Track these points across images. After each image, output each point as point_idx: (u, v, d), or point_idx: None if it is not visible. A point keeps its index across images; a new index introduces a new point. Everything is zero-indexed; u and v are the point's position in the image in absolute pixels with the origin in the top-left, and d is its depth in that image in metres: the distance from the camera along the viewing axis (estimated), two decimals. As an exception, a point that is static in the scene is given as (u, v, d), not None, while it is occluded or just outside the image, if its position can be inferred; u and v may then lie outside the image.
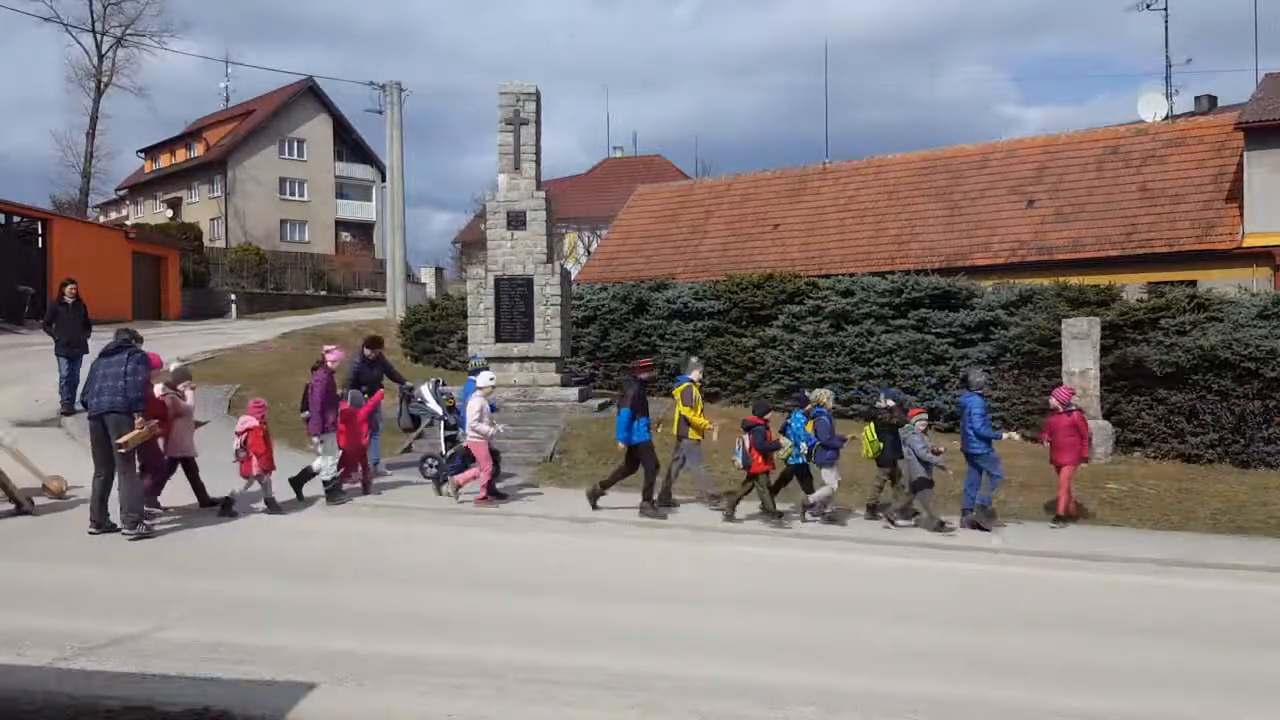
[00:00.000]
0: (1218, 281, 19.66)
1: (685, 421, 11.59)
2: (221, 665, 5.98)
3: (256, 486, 10.68)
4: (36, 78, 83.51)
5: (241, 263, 45.32)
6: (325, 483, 11.14)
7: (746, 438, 10.89)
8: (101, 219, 59.84)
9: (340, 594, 7.86)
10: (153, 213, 59.49)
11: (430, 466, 12.77)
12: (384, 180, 46.59)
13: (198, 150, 58.75)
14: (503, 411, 13.75)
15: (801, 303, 18.52)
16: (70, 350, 15.18)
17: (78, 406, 13.54)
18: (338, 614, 7.27)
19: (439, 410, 12.57)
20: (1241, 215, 21.69)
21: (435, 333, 22.67)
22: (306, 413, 11.29)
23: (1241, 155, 21.93)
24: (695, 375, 11.97)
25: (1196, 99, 35.69)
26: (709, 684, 5.95)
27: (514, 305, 16.57)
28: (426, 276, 40.17)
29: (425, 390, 12.91)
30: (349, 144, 60.58)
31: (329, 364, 11.46)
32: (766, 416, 11.19)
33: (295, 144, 58.16)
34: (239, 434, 10.63)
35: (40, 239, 30.29)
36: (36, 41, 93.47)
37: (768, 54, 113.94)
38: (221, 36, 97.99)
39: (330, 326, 29.42)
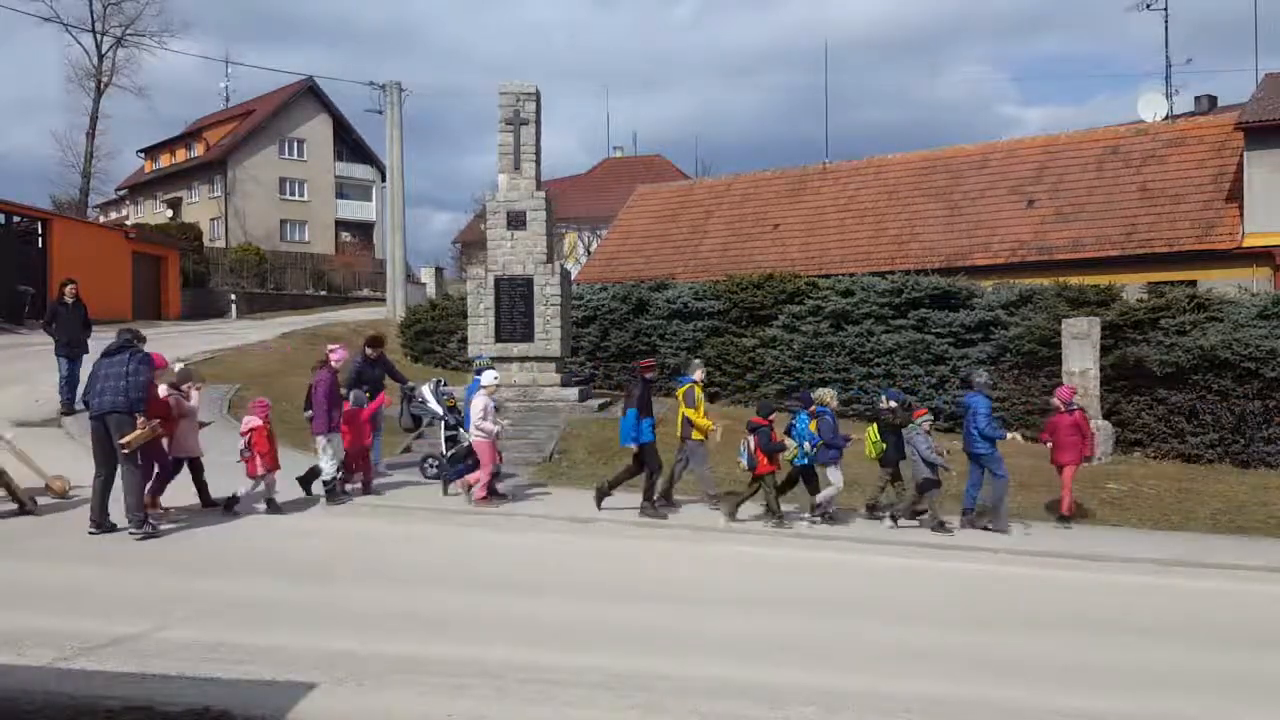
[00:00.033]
0: (1218, 281, 19.67)
1: (688, 423, 11.59)
2: (222, 665, 5.98)
3: (263, 486, 10.69)
4: (36, 78, 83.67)
5: (241, 263, 45.32)
6: (325, 483, 11.15)
7: (751, 439, 10.89)
8: (101, 219, 59.85)
9: (340, 594, 7.86)
10: (153, 213, 59.50)
11: (431, 466, 12.78)
12: (384, 180, 46.61)
13: (198, 150, 58.75)
14: (503, 411, 13.75)
15: (801, 303, 18.53)
16: (70, 350, 15.18)
17: (78, 406, 13.56)
18: (338, 614, 7.27)
19: (440, 410, 12.57)
20: (1241, 215, 21.70)
21: (435, 333, 22.67)
22: (310, 412, 11.31)
23: (1241, 155, 21.93)
24: (697, 376, 11.97)
25: (1196, 99, 35.71)
26: (709, 684, 5.95)
27: (514, 305, 16.58)
28: (426, 276, 40.16)
29: (426, 390, 12.92)
30: (349, 144, 60.58)
31: (332, 363, 11.49)
32: (771, 417, 11.18)
33: (295, 144, 58.17)
34: (243, 434, 10.64)
35: (40, 239, 30.29)
36: (36, 41, 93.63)
37: (768, 54, 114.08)
38: (221, 36, 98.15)
39: (330, 326, 29.42)
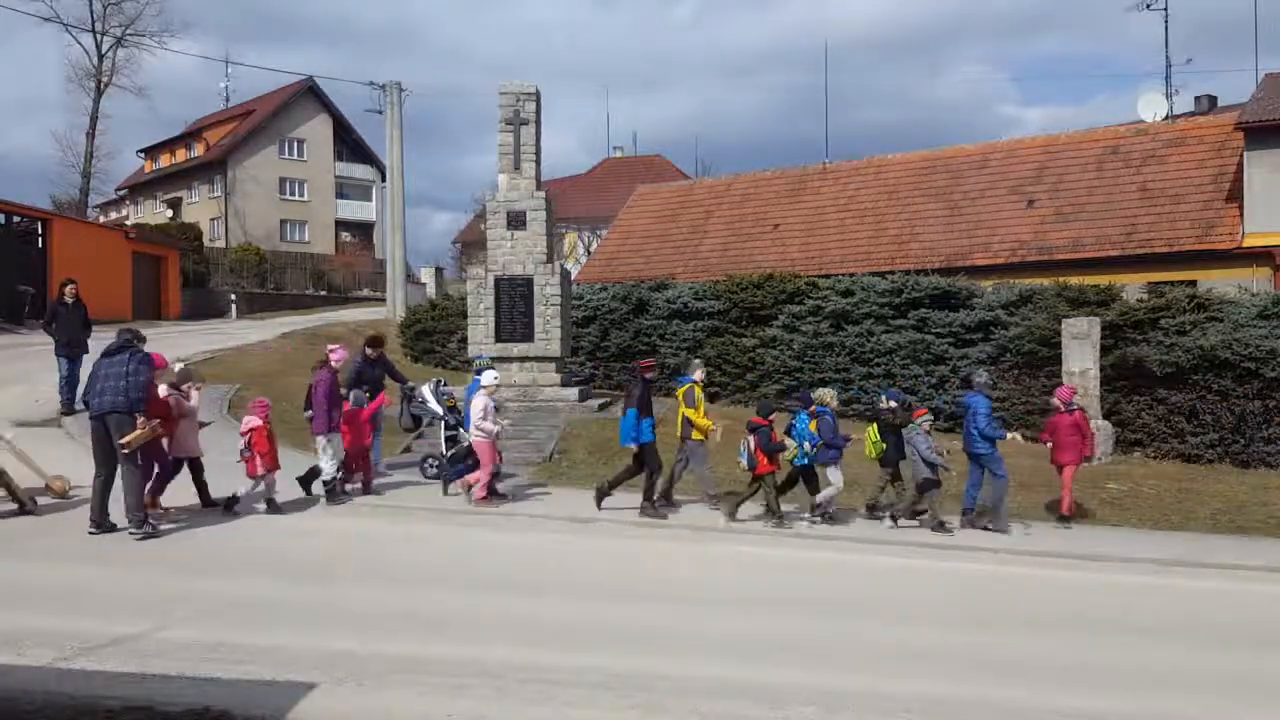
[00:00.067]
0: (1218, 281, 19.67)
1: (688, 423, 11.59)
2: (222, 665, 5.98)
3: (263, 486, 10.69)
4: (36, 78, 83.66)
5: (241, 263, 45.32)
6: (325, 483, 11.15)
7: (752, 439, 10.89)
8: (101, 219, 59.85)
9: (340, 594, 7.86)
10: (153, 213, 59.50)
11: (431, 466, 12.78)
12: (384, 180, 46.60)
13: (198, 150, 58.76)
14: (503, 411, 13.75)
15: (801, 303, 18.53)
16: (70, 350, 15.18)
17: (78, 406, 13.55)
18: (338, 614, 7.27)
19: (440, 410, 12.57)
20: (1241, 215, 21.70)
21: (435, 333, 22.67)
22: (310, 412, 11.32)
23: (1241, 155, 21.93)
24: (697, 376, 11.97)
25: (1196, 99, 35.71)
26: (709, 684, 5.95)
27: (514, 305, 16.58)
28: (426, 276, 40.16)
29: (426, 390, 12.93)
30: (349, 144, 60.58)
31: (332, 363, 11.49)
32: (771, 417, 11.18)
33: (295, 144, 58.17)
34: (243, 434, 10.64)
35: (40, 239, 30.29)
36: (36, 41, 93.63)
37: (768, 54, 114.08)
38: (221, 36, 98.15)
39: (330, 326, 29.42)
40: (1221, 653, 7.15)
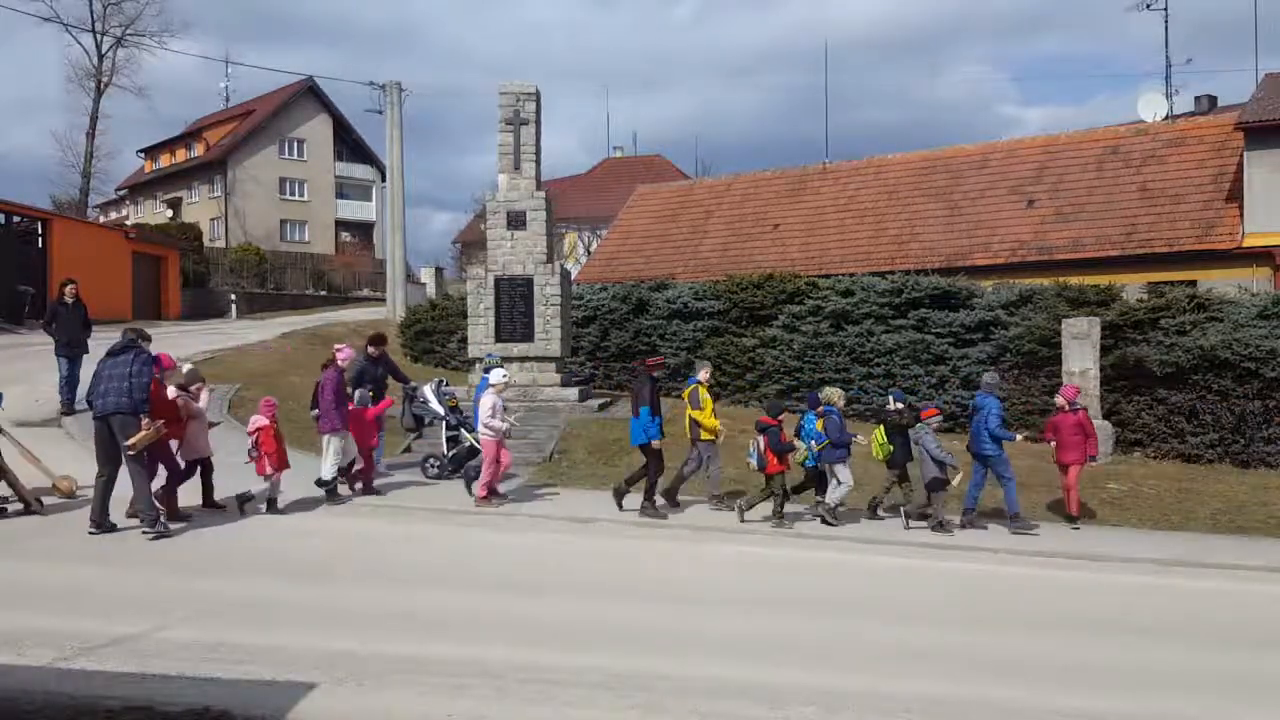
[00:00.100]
0: (1218, 281, 19.67)
1: (696, 424, 11.58)
2: (222, 665, 5.98)
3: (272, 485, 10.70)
4: (36, 78, 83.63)
5: (241, 263, 45.32)
6: (325, 482, 11.15)
7: (761, 439, 10.88)
8: (101, 219, 59.84)
9: (341, 594, 7.87)
10: (153, 213, 59.49)
11: (432, 466, 12.79)
12: (384, 180, 46.59)
13: (198, 150, 58.75)
14: (509, 410, 13.75)
15: (801, 303, 18.53)
16: (70, 350, 15.17)
17: (79, 406, 13.56)
18: (338, 614, 7.27)
19: (441, 410, 12.57)
20: (1241, 215, 21.70)
21: (435, 333, 22.68)
22: (317, 411, 11.32)
23: (1241, 155, 21.93)
24: (703, 376, 11.96)
25: (1196, 99, 35.70)
26: (709, 684, 5.95)
27: (514, 305, 16.59)
28: (426, 276, 40.17)
29: (428, 390, 12.93)
30: (349, 144, 60.57)
31: (339, 362, 11.50)
32: (780, 418, 11.17)
33: (295, 144, 58.16)
34: (250, 433, 10.63)
35: (40, 239, 30.29)
36: (36, 41, 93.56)
37: (768, 54, 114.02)
38: (221, 36, 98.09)
39: (330, 326, 29.42)
40: (1221, 653, 7.15)
